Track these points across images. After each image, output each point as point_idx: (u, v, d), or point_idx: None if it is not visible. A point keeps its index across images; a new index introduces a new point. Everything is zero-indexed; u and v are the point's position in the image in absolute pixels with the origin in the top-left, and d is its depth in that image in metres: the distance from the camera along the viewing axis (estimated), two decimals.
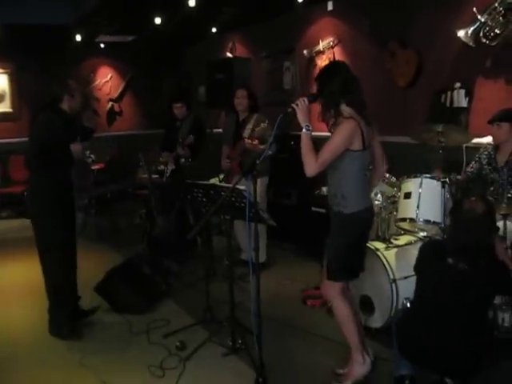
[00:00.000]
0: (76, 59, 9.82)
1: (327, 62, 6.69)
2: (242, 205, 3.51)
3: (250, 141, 5.10)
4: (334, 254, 3.40)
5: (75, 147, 4.29)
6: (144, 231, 6.16)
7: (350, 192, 3.29)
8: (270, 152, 3.43)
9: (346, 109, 3.26)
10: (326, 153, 3.18)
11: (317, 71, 6.89)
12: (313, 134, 3.23)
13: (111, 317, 4.58)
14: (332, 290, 3.43)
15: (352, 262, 3.41)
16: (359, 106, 3.27)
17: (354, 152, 3.21)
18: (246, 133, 5.31)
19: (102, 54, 10.01)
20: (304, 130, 3.21)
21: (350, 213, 3.30)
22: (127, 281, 4.74)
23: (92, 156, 7.89)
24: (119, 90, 10.53)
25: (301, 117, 3.21)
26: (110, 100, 10.47)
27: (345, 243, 3.35)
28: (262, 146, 4.96)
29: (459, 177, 4.31)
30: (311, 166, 3.17)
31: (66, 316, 4.27)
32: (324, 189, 5.91)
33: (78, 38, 8.25)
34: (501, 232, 3.57)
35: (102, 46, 9.60)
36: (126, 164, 8.86)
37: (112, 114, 10.53)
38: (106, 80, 10.39)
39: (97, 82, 10.31)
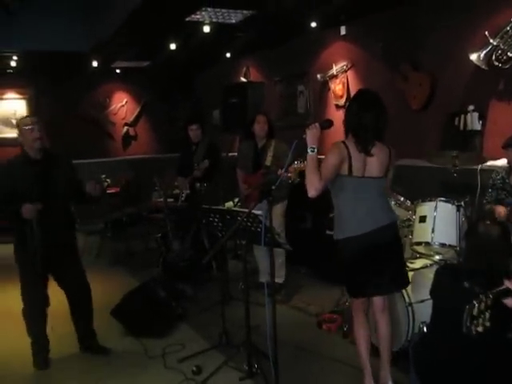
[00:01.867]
0: (92, 84, 10.03)
1: (341, 86, 6.76)
2: (258, 229, 3.53)
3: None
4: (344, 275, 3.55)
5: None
6: (159, 255, 6.18)
7: (340, 218, 3.42)
8: (284, 178, 3.46)
9: (348, 140, 3.34)
10: (323, 170, 3.25)
11: (331, 95, 6.97)
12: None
13: (127, 341, 4.60)
14: (352, 305, 3.60)
15: (351, 283, 3.49)
16: (366, 135, 3.32)
17: (345, 177, 3.29)
18: (268, 160, 5.33)
19: (117, 79, 10.20)
20: (309, 151, 3.27)
21: (339, 239, 3.43)
22: (143, 305, 4.76)
23: (108, 180, 8.03)
24: (134, 115, 10.68)
25: (310, 139, 3.28)
26: (126, 124, 10.62)
27: (339, 267, 3.49)
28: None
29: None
30: (313, 185, 3.23)
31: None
32: None
33: (95, 63, 8.41)
34: (506, 283, 3.53)
35: (118, 71, 9.78)
36: (140, 188, 8.94)
37: (127, 138, 10.67)
38: (122, 104, 10.55)
39: (112, 107, 10.47)
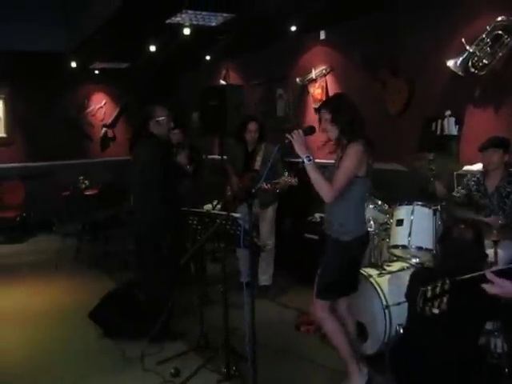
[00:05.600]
0: (70, 85, 9.92)
1: (320, 90, 6.81)
2: (237, 232, 3.54)
3: (266, 186, 5.10)
4: (324, 276, 3.50)
5: None
6: None
7: (348, 220, 3.39)
8: (263, 184, 3.47)
9: (361, 141, 3.34)
10: (342, 178, 3.26)
11: (310, 99, 7.02)
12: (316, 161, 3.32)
13: (105, 343, 4.57)
14: (318, 307, 3.53)
15: (341, 284, 3.50)
16: (367, 137, 3.37)
17: (359, 178, 3.31)
18: (257, 165, 5.39)
19: (96, 80, 10.11)
20: (306, 162, 3.27)
21: (347, 240, 3.39)
22: (121, 307, 4.73)
23: (86, 182, 7.98)
24: (113, 116, 10.61)
25: (298, 149, 3.27)
26: (104, 126, 10.55)
27: (338, 268, 3.44)
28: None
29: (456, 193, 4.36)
30: (328, 192, 3.26)
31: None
32: (317, 215, 5.97)
33: (73, 64, 8.35)
34: (491, 258, 3.62)
35: (97, 72, 9.71)
36: (119, 190, 8.88)
37: (106, 140, 10.59)
38: (100, 106, 10.48)
39: (91, 108, 10.40)
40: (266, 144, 5.48)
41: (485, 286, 2.22)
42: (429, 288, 2.18)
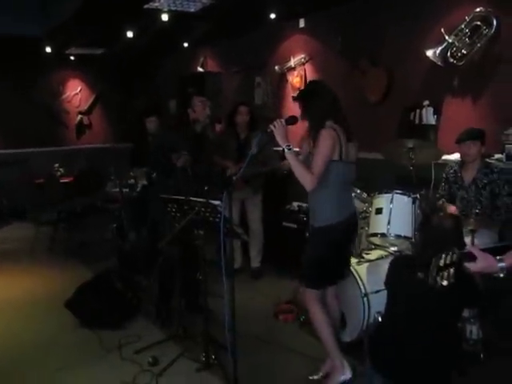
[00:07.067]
0: (45, 71, 9.75)
1: (299, 78, 6.79)
2: (217, 220, 3.52)
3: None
4: (307, 264, 3.53)
5: None
6: (115, 246, 6.09)
7: (324, 205, 3.41)
8: (241, 171, 3.44)
9: (332, 125, 3.34)
10: (320, 164, 3.26)
11: (288, 87, 7.00)
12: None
13: (82, 333, 4.52)
14: (308, 296, 3.55)
15: (324, 272, 3.50)
16: (345, 122, 3.39)
17: (333, 162, 3.31)
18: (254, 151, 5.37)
19: (71, 66, 9.96)
20: (286, 151, 3.28)
21: (318, 226, 3.45)
22: (98, 296, 4.69)
23: (61, 169, 7.88)
24: (89, 103, 10.47)
25: (279, 138, 3.29)
26: (80, 113, 10.41)
27: (316, 255, 3.47)
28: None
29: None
30: (310, 180, 3.26)
31: None
32: (295, 204, 5.98)
33: (48, 49, 8.20)
34: (468, 247, 3.64)
35: (72, 58, 9.55)
36: (95, 177, 8.77)
37: (81, 127, 10.46)
38: (76, 92, 10.34)
39: (66, 95, 10.24)
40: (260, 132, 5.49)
41: (468, 264, 2.24)
42: (443, 256, 2.16)
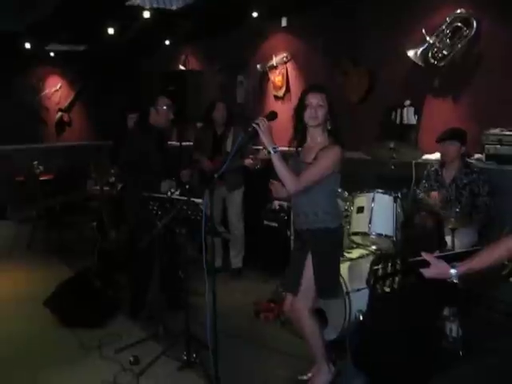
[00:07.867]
0: (25, 67, 9.60)
1: (281, 77, 6.79)
2: (198, 218, 3.50)
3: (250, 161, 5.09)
4: (327, 272, 3.36)
5: None
6: (94, 244, 6.03)
7: (332, 207, 3.37)
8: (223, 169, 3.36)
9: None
10: (317, 176, 3.22)
11: (270, 86, 7.00)
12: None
13: (62, 332, 4.47)
14: (302, 307, 3.40)
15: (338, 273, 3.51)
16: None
17: (333, 173, 3.29)
18: (229, 147, 5.44)
19: (52, 62, 9.82)
20: (272, 153, 3.16)
21: (336, 226, 3.36)
22: (77, 295, 4.65)
23: (40, 167, 7.77)
24: (69, 100, 10.35)
25: (265, 139, 3.14)
26: (60, 110, 10.28)
27: (336, 257, 3.46)
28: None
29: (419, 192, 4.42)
30: (294, 184, 3.19)
31: None
32: (276, 203, 5.98)
33: (28, 45, 8.08)
34: (449, 246, 3.69)
35: (53, 54, 9.43)
36: (75, 175, 8.69)
37: (61, 125, 10.33)
38: (56, 89, 10.20)
39: (46, 91, 10.11)
40: (235, 128, 5.52)
41: (422, 270, 2.30)
42: (380, 267, 2.23)
